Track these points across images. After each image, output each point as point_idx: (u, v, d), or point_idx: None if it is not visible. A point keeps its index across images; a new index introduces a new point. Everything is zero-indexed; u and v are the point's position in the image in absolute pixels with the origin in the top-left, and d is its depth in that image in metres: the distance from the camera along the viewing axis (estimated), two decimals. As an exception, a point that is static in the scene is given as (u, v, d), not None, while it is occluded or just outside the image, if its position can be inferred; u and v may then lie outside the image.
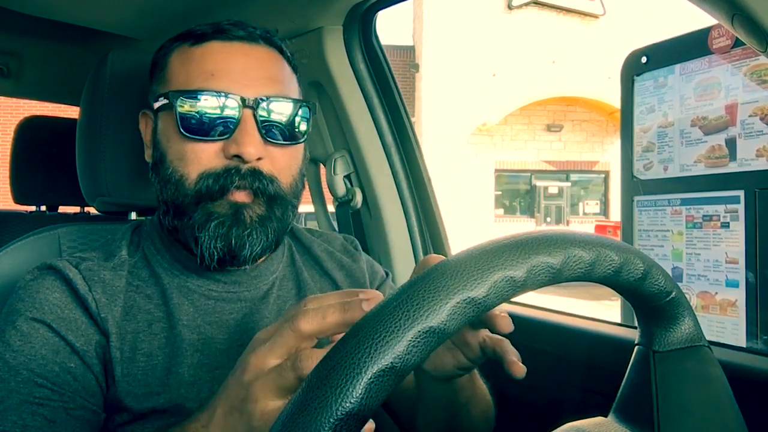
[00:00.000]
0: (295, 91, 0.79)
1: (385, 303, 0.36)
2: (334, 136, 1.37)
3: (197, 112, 0.71)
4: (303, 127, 0.77)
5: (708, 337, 0.49)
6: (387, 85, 1.32)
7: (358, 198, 1.34)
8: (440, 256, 0.61)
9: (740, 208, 1.14)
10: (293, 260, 0.87)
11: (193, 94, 0.71)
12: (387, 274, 0.96)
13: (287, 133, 0.75)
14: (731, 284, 1.15)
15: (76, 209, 1.70)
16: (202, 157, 0.72)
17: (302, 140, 0.77)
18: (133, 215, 1.05)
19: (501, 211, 13.11)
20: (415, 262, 1.32)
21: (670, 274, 0.76)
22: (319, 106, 1.35)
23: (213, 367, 0.73)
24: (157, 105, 0.75)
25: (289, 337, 0.48)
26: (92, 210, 1.15)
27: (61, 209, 1.65)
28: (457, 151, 12.08)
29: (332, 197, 1.40)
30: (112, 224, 0.95)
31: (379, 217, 1.32)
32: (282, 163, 0.75)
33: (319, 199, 1.53)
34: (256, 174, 0.72)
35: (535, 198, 13.18)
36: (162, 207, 0.77)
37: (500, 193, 13.11)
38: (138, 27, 1.37)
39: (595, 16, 12.21)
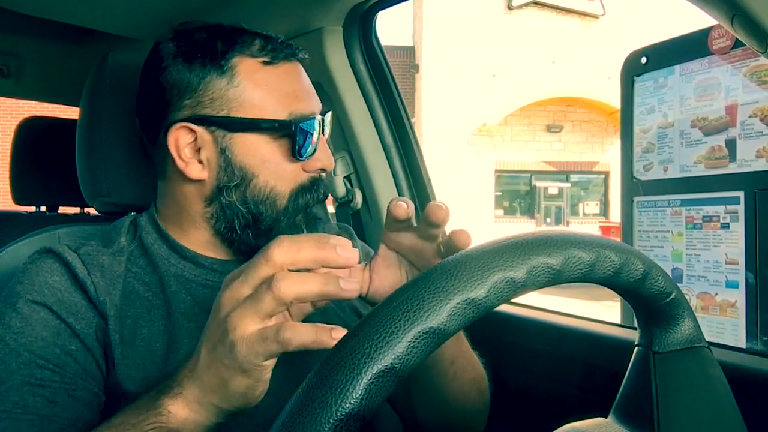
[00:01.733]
0: None
1: (385, 303, 0.36)
2: (334, 136, 1.37)
3: (307, 136, 0.76)
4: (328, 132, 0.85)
5: (708, 338, 0.49)
6: (387, 85, 1.32)
7: (358, 199, 1.34)
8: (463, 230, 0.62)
9: (740, 208, 1.14)
10: None
11: (301, 122, 0.75)
12: None
13: (330, 141, 0.84)
14: (731, 285, 1.15)
15: (76, 210, 1.70)
16: (289, 175, 0.77)
17: (331, 147, 0.87)
18: (133, 215, 1.05)
19: (501, 211, 13.11)
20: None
21: (670, 275, 0.76)
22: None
23: None
24: (225, 126, 0.75)
25: (261, 267, 0.48)
26: (92, 210, 1.15)
27: (61, 209, 1.65)
28: (457, 152, 12.08)
29: (332, 198, 1.40)
30: (110, 224, 0.95)
31: (379, 217, 1.32)
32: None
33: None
34: (323, 182, 0.81)
35: (535, 199, 13.18)
36: (238, 220, 0.77)
37: (500, 193, 13.11)
38: (138, 27, 1.37)
39: (595, 17, 12.21)
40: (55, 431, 0.63)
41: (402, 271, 0.69)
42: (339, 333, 0.46)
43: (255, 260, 0.49)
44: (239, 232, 0.78)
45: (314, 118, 0.76)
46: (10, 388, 0.64)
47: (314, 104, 0.79)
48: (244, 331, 0.48)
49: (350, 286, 0.47)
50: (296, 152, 0.75)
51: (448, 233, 0.62)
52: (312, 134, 0.76)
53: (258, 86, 0.75)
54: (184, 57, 0.76)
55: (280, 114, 0.75)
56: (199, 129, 0.75)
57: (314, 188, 0.79)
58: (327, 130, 0.81)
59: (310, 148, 0.76)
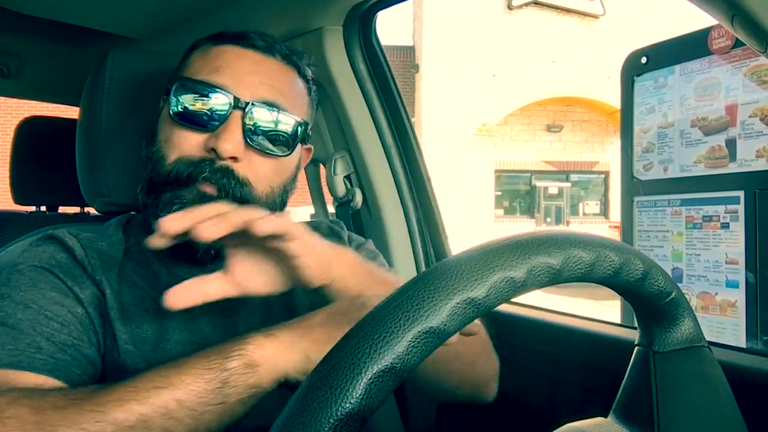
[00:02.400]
0: (301, 110, 0.81)
1: (385, 303, 0.36)
2: (334, 136, 1.37)
3: (190, 101, 0.74)
4: (291, 141, 0.78)
5: (708, 338, 0.49)
6: (387, 85, 1.32)
7: (358, 198, 1.34)
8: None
9: (740, 208, 1.14)
10: None
11: (190, 82, 0.75)
12: (376, 256, 0.97)
13: (273, 143, 0.76)
14: (731, 285, 1.15)
15: (76, 209, 1.70)
16: (184, 144, 0.74)
17: (287, 154, 0.78)
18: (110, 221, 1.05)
19: (501, 211, 13.11)
20: (415, 262, 1.32)
21: (670, 274, 0.76)
22: (319, 108, 1.35)
23: (201, 346, 0.74)
24: (166, 91, 0.78)
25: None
26: (92, 210, 1.15)
27: (61, 209, 1.65)
28: (457, 151, 12.08)
29: (332, 197, 1.40)
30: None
31: (379, 217, 1.32)
32: (259, 171, 0.76)
33: (319, 199, 1.53)
34: (227, 172, 0.73)
35: (535, 198, 13.17)
36: (140, 184, 0.79)
37: (500, 193, 13.11)
38: (138, 27, 1.37)
39: (595, 16, 12.21)
40: (69, 375, 0.64)
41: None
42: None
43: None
44: (141, 202, 0.79)
45: (203, 84, 0.73)
46: (21, 331, 0.65)
47: (235, 82, 0.74)
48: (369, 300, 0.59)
49: None
50: (171, 113, 0.74)
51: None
52: (195, 100, 0.73)
53: (198, 59, 0.78)
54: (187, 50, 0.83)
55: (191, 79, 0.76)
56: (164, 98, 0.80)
57: (197, 165, 0.72)
58: (247, 118, 0.74)
59: (195, 116, 0.73)
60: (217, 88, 0.73)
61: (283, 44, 0.81)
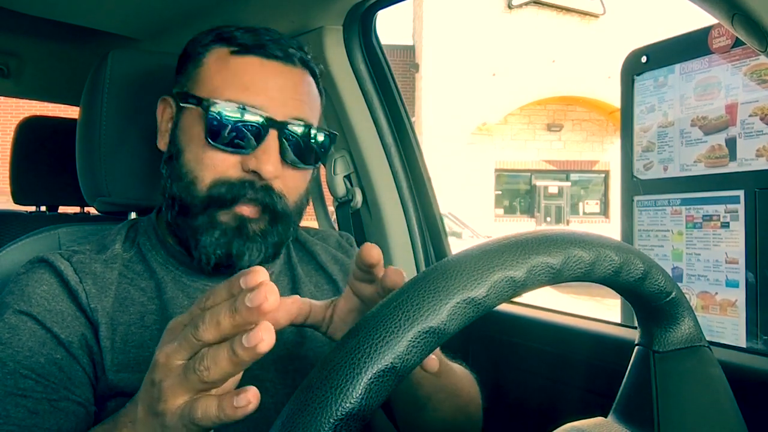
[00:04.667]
0: (317, 115, 0.82)
1: (385, 303, 0.36)
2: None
3: (226, 123, 0.72)
4: (322, 152, 0.79)
5: (708, 338, 0.49)
6: (387, 85, 1.32)
7: (358, 198, 1.34)
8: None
9: (740, 208, 1.14)
10: (289, 257, 0.89)
11: (226, 105, 0.72)
12: None
13: (305, 157, 0.77)
14: (731, 284, 1.15)
15: (76, 209, 1.70)
16: (220, 166, 0.74)
17: (316, 165, 0.80)
18: (133, 215, 1.05)
19: (501, 210, 13.11)
20: (415, 262, 1.33)
21: (670, 274, 0.76)
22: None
23: None
24: (184, 101, 0.77)
25: (192, 341, 0.45)
26: (92, 210, 1.15)
27: (61, 209, 1.65)
28: (457, 151, 12.07)
29: (332, 197, 1.40)
30: (112, 224, 0.96)
31: (379, 217, 1.31)
32: (292, 183, 0.77)
33: (319, 199, 1.53)
34: (268, 190, 0.74)
35: (535, 198, 13.17)
36: (167, 201, 0.78)
37: (500, 192, 13.11)
38: (138, 27, 1.37)
39: (595, 16, 12.20)
40: None
41: (365, 311, 0.68)
42: (242, 399, 0.42)
43: (185, 332, 0.45)
44: (170, 220, 0.77)
45: (238, 106, 0.72)
46: None
47: (267, 101, 0.73)
48: (173, 404, 0.45)
49: (252, 341, 0.41)
50: (207, 135, 0.73)
51: (385, 271, 0.60)
52: (233, 123, 0.72)
53: (218, 71, 0.76)
54: (193, 42, 0.80)
55: (220, 98, 0.74)
56: (172, 102, 0.79)
57: (240, 187, 0.73)
58: (283, 138, 0.74)
59: (231, 139, 0.72)
60: (253, 109, 0.72)
61: (293, 43, 0.79)
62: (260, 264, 0.75)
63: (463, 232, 9.74)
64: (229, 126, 0.72)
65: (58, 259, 0.74)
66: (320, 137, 0.78)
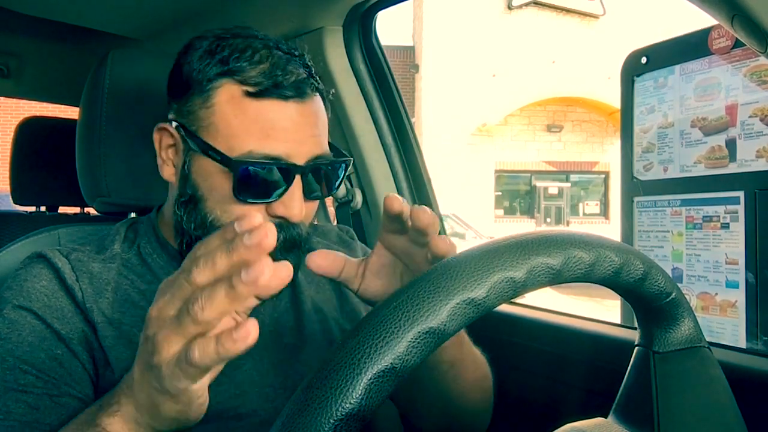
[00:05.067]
0: (327, 133, 0.80)
1: (385, 303, 0.36)
2: (334, 136, 1.37)
3: (255, 177, 0.71)
4: (337, 182, 0.79)
5: (708, 338, 0.49)
6: (387, 85, 1.32)
7: (358, 198, 1.34)
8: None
9: (740, 208, 1.14)
10: None
11: (250, 158, 0.70)
12: None
13: (322, 189, 0.77)
14: (731, 285, 1.15)
15: (76, 209, 1.70)
16: (243, 213, 0.70)
17: (333, 192, 0.81)
18: (133, 215, 1.05)
19: (501, 211, 13.11)
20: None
21: (670, 274, 0.76)
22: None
23: None
24: (202, 150, 0.73)
25: (185, 288, 0.44)
26: (92, 210, 1.15)
27: (61, 209, 1.65)
28: (457, 152, 12.07)
29: (332, 198, 1.40)
30: (112, 224, 0.96)
31: (379, 217, 1.31)
32: (308, 212, 0.77)
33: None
34: (296, 229, 0.74)
35: (535, 198, 13.17)
36: (183, 237, 0.76)
37: (500, 193, 13.11)
38: (138, 27, 1.37)
39: (595, 16, 12.21)
40: (41, 428, 0.64)
41: (396, 272, 0.69)
42: (242, 331, 0.41)
43: (178, 280, 0.45)
44: (180, 248, 0.77)
45: (269, 162, 0.70)
46: None
47: (289, 147, 0.71)
48: (167, 354, 0.45)
49: (252, 274, 0.40)
50: (237, 192, 0.71)
51: (432, 242, 0.61)
52: (263, 177, 0.71)
53: (231, 115, 0.72)
54: (191, 62, 0.75)
55: (241, 148, 0.71)
56: (176, 134, 0.76)
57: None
58: (306, 181, 0.73)
59: (259, 191, 0.71)
60: (278, 160, 0.71)
61: (300, 67, 0.75)
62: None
63: (467, 233, 9.75)
64: (258, 180, 0.71)
65: (56, 255, 0.74)
66: (336, 167, 0.78)
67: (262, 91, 0.71)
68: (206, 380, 0.46)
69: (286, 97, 0.72)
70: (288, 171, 0.71)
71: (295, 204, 0.72)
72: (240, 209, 0.72)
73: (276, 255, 0.72)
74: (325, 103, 0.80)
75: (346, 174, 0.81)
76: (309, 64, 0.78)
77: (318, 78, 0.78)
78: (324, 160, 0.75)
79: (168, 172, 0.78)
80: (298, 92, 0.73)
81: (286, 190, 0.72)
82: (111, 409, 0.52)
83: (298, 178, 0.72)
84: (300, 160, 0.72)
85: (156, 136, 0.78)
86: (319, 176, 0.76)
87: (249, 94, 0.71)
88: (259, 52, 0.73)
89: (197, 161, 0.74)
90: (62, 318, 0.70)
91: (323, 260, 0.67)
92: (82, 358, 0.70)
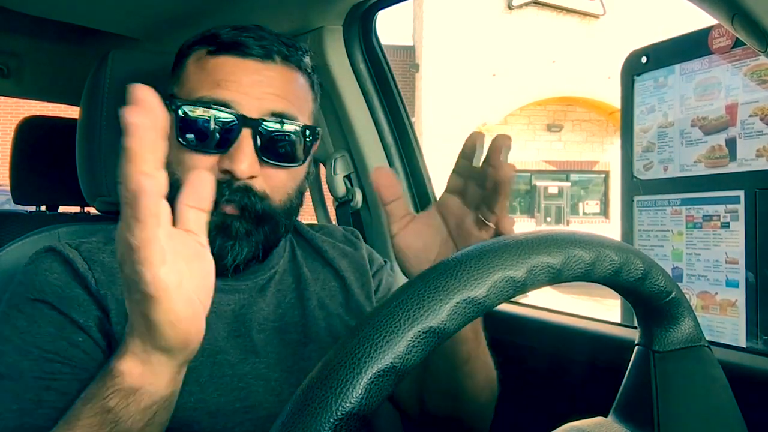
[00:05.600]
0: (306, 112, 0.79)
1: (385, 303, 0.36)
2: (334, 136, 1.37)
3: (196, 122, 0.71)
4: (304, 150, 0.76)
5: (708, 338, 0.49)
6: (387, 85, 1.32)
7: (358, 198, 1.34)
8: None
9: (740, 208, 1.14)
10: (294, 255, 0.89)
11: (195, 104, 0.71)
12: (385, 263, 0.97)
13: (286, 155, 0.75)
14: (731, 284, 1.15)
15: (76, 209, 1.70)
16: (196, 167, 0.71)
17: (301, 163, 0.77)
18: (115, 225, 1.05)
19: (501, 211, 13.09)
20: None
21: (670, 274, 0.76)
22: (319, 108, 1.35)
23: (213, 352, 0.74)
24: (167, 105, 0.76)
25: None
26: (92, 210, 1.15)
27: (61, 209, 1.65)
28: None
29: (332, 197, 1.40)
30: (112, 224, 0.96)
31: (379, 217, 1.32)
32: (276, 182, 0.75)
33: (319, 199, 1.53)
34: (246, 190, 0.72)
35: (535, 198, 13.17)
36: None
37: (500, 193, 13.10)
38: (138, 27, 1.37)
39: (595, 16, 12.20)
40: None
41: (437, 240, 0.69)
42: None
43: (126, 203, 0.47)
44: None
45: (207, 104, 0.70)
46: (23, 385, 0.65)
47: (240, 97, 0.71)
48: (122, 250, 0.46)
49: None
50: (177, 136, 0.71)
51: (499, 203, 0.63)
52: (202, 121, 0.70)
53: (196, 71, 0.75)
54: (182, 48, 0.79)
55: (193, 96, 0.73)
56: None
57: (217, 189, 0.68)
58: (258, 135, 0.72)
59: (203, 137, 0.71)
60: (223, 106, 0.71)
61: (279, 38, 0.77)
62: (247, 263, 0.75)
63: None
64: (199, 125, 0.71)
65: (66, 248, 0.75)
66: (302, 134, 0.75)
67: (221, 48, 0.74)
68: (169, 270, 0.46)
69: (245, 54, 0.74)
70: (234, 120, 0.71)
71: (242, 157, 0.70)
72: (189, 159, 0.72)
73: (238, 226, 0.72)
74: (313, 87, 0.81)
75: (312, 143, 0.78)
76: (299, 48, 0.78)
77: (304, 58, 0.79)
78: (285, 120, 0.73)
79: None
80: (264, 53, 0.74)
81: (234, 142, 0.71)
82: (119, 352, 0.51)
83: (247, 132, 0.71)
84: (251, 112, 0.71)
85: None
86: (281, 139, 0.73)
87: (210, 53, 0.75)
88: (242, 27, 0.76)
89: (172, 122, 0.75)
90: (78, 307, 0.71)
91: (385, 179, 0.66)
92: (102, 344, 0.70)
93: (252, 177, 0.72)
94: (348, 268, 0.90)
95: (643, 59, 1.36)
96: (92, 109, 0.95)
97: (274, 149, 0.73)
